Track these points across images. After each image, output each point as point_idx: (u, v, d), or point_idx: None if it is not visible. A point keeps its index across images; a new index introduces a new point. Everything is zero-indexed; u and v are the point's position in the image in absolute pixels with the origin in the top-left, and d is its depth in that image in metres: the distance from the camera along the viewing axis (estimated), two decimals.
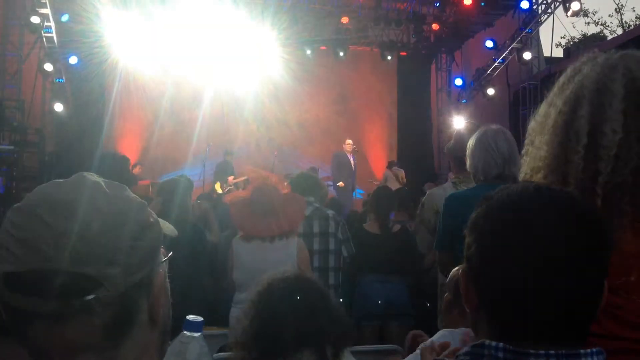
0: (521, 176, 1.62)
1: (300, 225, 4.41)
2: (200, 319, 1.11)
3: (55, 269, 0.79)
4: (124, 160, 3.08)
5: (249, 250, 3.68)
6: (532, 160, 1.59)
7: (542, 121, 1.59)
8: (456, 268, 2.28)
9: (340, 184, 11.27)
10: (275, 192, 3.76)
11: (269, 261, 3.57)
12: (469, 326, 2.06)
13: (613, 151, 1.44)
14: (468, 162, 2.98)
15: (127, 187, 0.93)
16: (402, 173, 11.78)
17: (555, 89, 1.60)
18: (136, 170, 11.64)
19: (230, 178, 11.50)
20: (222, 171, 11.79)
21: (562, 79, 1.61)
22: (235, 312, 3.65)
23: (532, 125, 1.66)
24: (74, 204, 0.84)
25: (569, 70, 1.61)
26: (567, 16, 11.79)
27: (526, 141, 1.67)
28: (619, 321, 1.28)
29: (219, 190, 11.23)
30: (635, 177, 1.44)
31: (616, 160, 1.44)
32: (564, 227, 0.93)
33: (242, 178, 11.64)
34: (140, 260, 0.86)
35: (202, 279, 4.61)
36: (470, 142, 2.98)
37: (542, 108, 1.61)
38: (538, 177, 1.53)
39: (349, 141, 11.80)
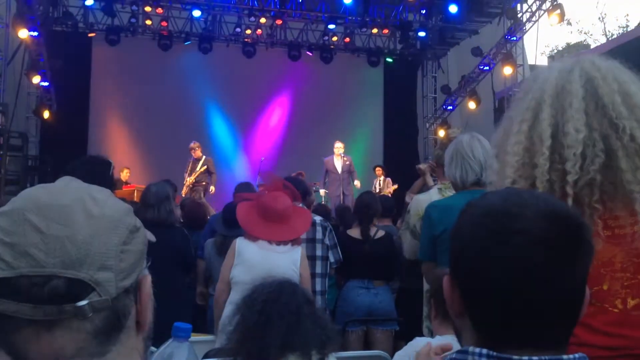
0: (489, 187, 1.64)
1: None
2: (188, 325, 1.10)
3: (47, 274, 0.78)
4: (106, 164, 3.04)
5: (254, 249, 3.62)
6: (500, 169, 1.61)
7: (506, 132, 1.62)
8: (436, 275, 2.30)
9: (322, 192, 11.23)
10: (287, 201, 3.70)
11: (274, 263, 3.51)
12: (447, 328, 2.09)
13: (579, 150, 1.47)
14: (446, 170, 3.00)
15: (111, 192, 0.92)
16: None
17: (517, 99, 1.64)
18: (124, 174, 11.52)
19: (190, 180, 11.20)
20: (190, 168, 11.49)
21: (522, 88, 1.65)
22: (229, 312, 3.57)
23: (497, 136, 1.69)
24: (64, 208, 0.82)
25: (528, 80, 1.65)
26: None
27: (492, 153, 1.70)
28: (590, 329, 1.29)
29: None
30: (603, 174, 1.46)
31: (583, 159, 1.46)
32: (547, 233, 0.94)
33: (202, 169, 11.29)
34: (130, 265, 0.85)
35: (186, 285, 4.59)
36: (447, 151, 3.00)
37: (505, 119, 1.65)
38: (507, 185, 1.55)
39: (338, 144, 11.49)
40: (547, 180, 1.49)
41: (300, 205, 4.38)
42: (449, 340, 2.03)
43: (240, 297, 3.51)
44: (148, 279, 0.92)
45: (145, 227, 0.94)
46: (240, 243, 3.68)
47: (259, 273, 3.50)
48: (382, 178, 12.22)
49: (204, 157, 11.30)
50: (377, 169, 12.50)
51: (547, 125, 1.52)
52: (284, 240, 3.62)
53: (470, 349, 0.97)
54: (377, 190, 11.45)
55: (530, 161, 1.53)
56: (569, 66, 1.59)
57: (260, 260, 3.57)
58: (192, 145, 11.27)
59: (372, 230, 4.89)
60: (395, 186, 11.36)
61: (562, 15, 11.75)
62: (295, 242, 3.69)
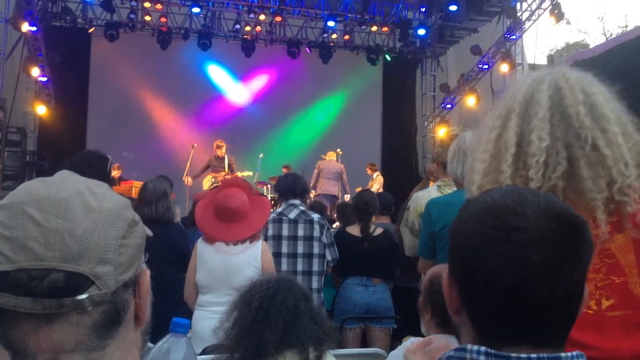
0: (467, 194, 1.68)
1: (285, 229, 4.41)
2: (186, 321, 1.10)
3: (46, 267, 0.78)
4: (104, 159, 3.02)
5: (212, 252, 3.59)
6: (470, 175, 1.65)
7: (478, 140, 1.67)
8: (428, 272, 2.29)
9: (348, 197, 11.46)
10: (241, 197, 3.60)
11: (233, 264, 3.50)
12: (440, 331, 2.09)
13: (542, 158, 1.51)
14: (448, 167, 3.02)
15: (109, 186, 0.92)
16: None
17: (494, 107, 1.70)
18: (115, 171, 11.50)
19: (210, 177, 11.23)
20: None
21: (501, 96, 1.70)
22: (198, 315, 3.54)
23: (472, 144, 1.73)
24: (63, 201, 0.82)
25: (508, 88, 1.71)
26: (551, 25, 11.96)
27: (469, 160, 1.75)
28: None
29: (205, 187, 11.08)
30: (566, 181, 1.49)
31: (545, 167, 1.50)
32: (547, 230, 0.94)
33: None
34: (129, 258, 0.85)
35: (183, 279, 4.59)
36: (450, 148, 3.01)
37: (480, 128, 1.70)
38: (474, 190, 1.59)
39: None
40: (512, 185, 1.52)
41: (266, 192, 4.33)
42: (440, 339, 2.04)
43: (206, 299, 3.54)
44: (147, 273, 0.92)
45: (144, 223, 0.94)
46: (200, 245, 3.64)
47: (218, 277, 3.51)
48: (374, 175, 12.35)
49: (226, 155, 11.36)
50: (367, 168, 12.64)
51: (513, 133, 1.57)
52: (240, 239, 3.57)
53: (469, 346, 0.97)
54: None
55: (497, 167, 1.57)
56: (540, 76, 1.65)
57: (218, 264, 3.54)
58: (218, 143, 11.32)
59: (371, 228, 4.89)
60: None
61: (561, 15, 11.76)
62: (253, 237, 3.62)
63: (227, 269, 3.49)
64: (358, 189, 10.81)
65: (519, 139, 1.55)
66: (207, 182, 11.16)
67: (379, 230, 4.92)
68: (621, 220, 1.54)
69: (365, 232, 4.83)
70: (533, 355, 0.93)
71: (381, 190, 11.06)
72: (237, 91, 14.43)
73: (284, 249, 4.39)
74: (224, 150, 11.32)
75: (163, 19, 13.26)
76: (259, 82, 14.31)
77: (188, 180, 11.19)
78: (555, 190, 1.50)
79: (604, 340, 1.52)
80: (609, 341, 1.52)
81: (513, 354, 0.94)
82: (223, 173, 11.09)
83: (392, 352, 2.24)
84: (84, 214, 0.82)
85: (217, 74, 14.24)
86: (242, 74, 14.23)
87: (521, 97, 1.60)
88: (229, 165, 11.25)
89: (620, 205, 1.52)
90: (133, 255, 0.86)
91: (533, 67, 16.22)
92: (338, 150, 12.44)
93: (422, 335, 2.31)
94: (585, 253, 0.97)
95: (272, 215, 4.40)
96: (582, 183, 1.50)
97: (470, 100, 13.62)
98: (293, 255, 4.41)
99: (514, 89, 1.66)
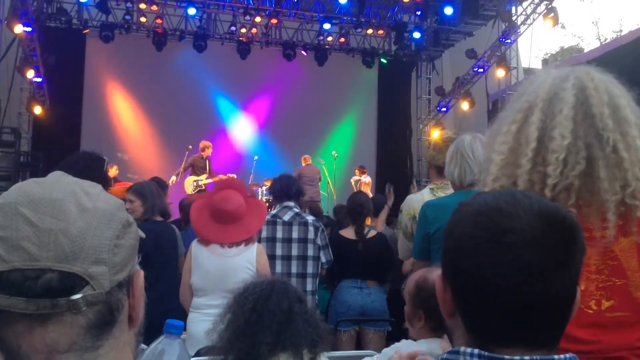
0: (480, 186, 1.68)
1: (279, 231, 4.40)
2: (180, 322, 1.10)
3: (41, 267, 0.78)
4: (100, 160, 3.02)
5: (207, 254, 3.57)
6: (487, 167, 1.65)
7: (496, 131, 1.67)
8: (412, 277, 2.28)
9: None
10: (238, 200, 3.59)
11: (228, 267, 3.49)
12: (432, 335, 2.09)
13: (562, 155, 1.51)
14: (445, 169, 3.03)
15: (102, 187, 0.92)
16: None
17: (512, 100, 1.69)
18: (112, 171, 11.47)
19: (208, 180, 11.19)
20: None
21: (518, 90, 1.70)
22: (193, 317, 3.54)
23: (488, 136, 1.73)
24: (57, 201, 0.82)
25: (524, 83, 1.70)
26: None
27: (485, 151, 1.75)
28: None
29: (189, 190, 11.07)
30: (582, 181, 1.50)
31: (564, 164, 1.51)
32: (540, 232, 0.94)
33: (209, 181, 11.32)
34: (123, 259, 0.85)
35: (176, 280, 4.59)
36: (449, 150, 3.02)
37: (498, 119, 1.69)
38: (489, 181, 1.59)
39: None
40: (528, 180, 1.53)
41: (262, 195, 4.34)
42: (434, 344, 2.04)
43: (200, 302, 3.54)
44: (140, 274, 0.92)
45: (140, 225, 0.94)
46: (195, 247, 3.63)
47: (213, 280, 3.50)
48: (361, 178, 12.44)
49: (208, 158, 11.34)
50: (356, 170, 12.79)
51: (535, 128, 1.57)
52: (236, 241, 3.56)
53: (462, 349, 0.97)
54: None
55: (515, 161, 1.57)
56: (564, 73, 1.64)
57: (213, 266, 3.53)
58: (207, 143, 11.35)
59: (364, 230, 4.89)
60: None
61: (556, 19, 11.82)
62: (249, 240, 3.61)
63: (222, 271, 3.48)
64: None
65: (541, 134, 1.55)
66: (189, 186, 11.07)
67: (372, 233, 4.92)
68: (628, 224, 1.56)
69: (360, 234, 4.84)
70: (526, 357, 0.94)
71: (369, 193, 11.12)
72: (231, 93, 14.41)
73: (278, 252, 4.39)
74: (208, 151, 11.31)
75: (158, 21, 13.24)
76: (254, 84, 14.29)
77: (173, 179, 11.16)
78: (571, 188, 1.51)
79: (603, 335, 1.54)
80: (608, 336, 1.55)
81: (506, 356, 0.94)
82: (204, 176, 11.05)
83: (384, 350, 2.23)
84: (78, 214, 0.82)
85: (212, 76, 14.21)
86: (237, 76, 14.21)
87: (544, 93, 1.60)
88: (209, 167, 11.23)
89: (630, 209, 1.54)
90: (127, 256, 0.86)
91: (528, 71, 16.28)
92: (333, 152, 12.49)
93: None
94: (578, 255, 0.97)
95: (267, 218, 4.39)
96: (599, 183, 1.51)
97: (465, 104, 13.65)
98: (287, 258, 4.41)
99: (536, 84, 1.65)
